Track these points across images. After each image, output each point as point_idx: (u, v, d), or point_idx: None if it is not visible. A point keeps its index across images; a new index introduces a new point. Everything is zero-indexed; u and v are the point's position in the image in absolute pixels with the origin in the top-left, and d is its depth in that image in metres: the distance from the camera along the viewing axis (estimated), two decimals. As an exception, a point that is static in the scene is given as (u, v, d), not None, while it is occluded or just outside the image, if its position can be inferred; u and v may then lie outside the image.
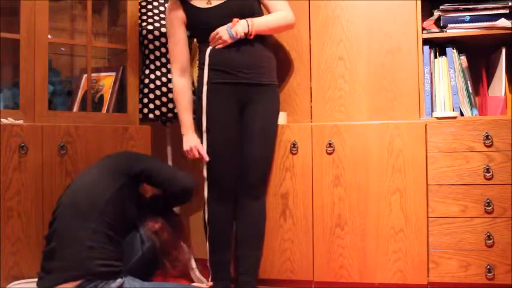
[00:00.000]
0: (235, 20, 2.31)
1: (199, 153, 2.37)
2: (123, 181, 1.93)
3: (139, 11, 2.73)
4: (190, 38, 2.56)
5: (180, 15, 2.41)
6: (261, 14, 2.43)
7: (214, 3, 2.36)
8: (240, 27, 2.31)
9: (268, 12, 2.46)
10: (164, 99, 2.70)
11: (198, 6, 2.37)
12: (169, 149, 2.83)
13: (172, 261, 2.05)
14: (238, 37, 2.30)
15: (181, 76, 2.44)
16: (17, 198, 2.19)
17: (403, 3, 2.50)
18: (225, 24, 2.32)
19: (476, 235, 2.31)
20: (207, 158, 2.36)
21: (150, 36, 2.70)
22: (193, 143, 2.39)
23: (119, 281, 1.77)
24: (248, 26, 2.32)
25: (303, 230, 2.49)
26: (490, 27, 2.40)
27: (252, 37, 2.33)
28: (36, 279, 1.88)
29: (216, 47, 2.33)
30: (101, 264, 1.74)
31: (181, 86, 2.44)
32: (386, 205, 2.41)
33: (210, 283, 2.38)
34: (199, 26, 2.40)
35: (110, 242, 1.80)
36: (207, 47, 2.37)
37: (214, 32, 2.33)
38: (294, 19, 2.46)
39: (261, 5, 2.46)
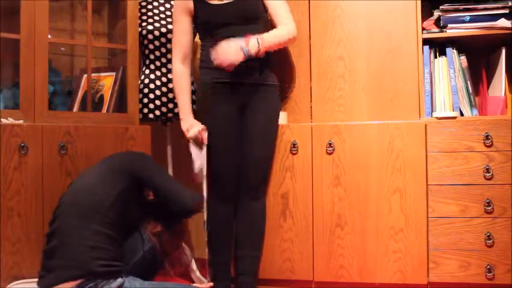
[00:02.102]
0: (248, 37, 2.24)
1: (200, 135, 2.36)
2: (127, 183, 1.91)
3: (140, 11, 2.72)
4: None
5: (188, 5, 2.40)
6: (265, 17, 2.43)
7: (225, 1, 2.35)
8: (253, 48, 2.23)
9: (271, 21, 2.44)
10: (164, 99, 2.70)
11: (208, 1, 2.37)
12: (169, 149, 2.83)
13: (172, 262, 2.05)
14: (249, 56, 2.24)
15: (182, 63, 2.45)
16: (17, 198, 2.19)
17: (403, 3, 2.50)
18: (232, 23, 2.31)
19: (476, 235, 2.31)
20: (205, 141, 2.34)
21: (150, 36, 2.70)
22: (193, 122, 2.38)
23: (119, 280, 1.77)
24: (258, 44, 2.26)
25: (303, 230, 2.49)
26: (490, 27, 2.40)
27: (261, 54, 2.28)
28: (36, 279, 1.88)
29: (224, 69, 2.24)
30: (102, 265, 1.74)
31: (181, 70, 2.44)
32: (386, 205, 2.41)
33: (210, 283, 2.38)
34: (206, 21, 2.39)
35: (112, 243, 1.80)
36: (209, 45, 2.36)
37: (221, 48, 2.21)
38: (296, 33, 2.44)
39: (266, 12, 2.45)
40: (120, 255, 1.85)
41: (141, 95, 2.70)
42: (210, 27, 2.37)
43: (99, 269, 1.73)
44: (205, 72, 2.37)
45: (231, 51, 2.21)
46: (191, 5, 2.40)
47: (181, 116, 2.42)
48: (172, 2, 2.76)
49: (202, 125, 2.36)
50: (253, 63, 2.35)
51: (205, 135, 2.34)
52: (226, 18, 2.34)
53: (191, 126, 2.36)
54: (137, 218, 2.00)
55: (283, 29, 2.40)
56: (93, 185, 1.86)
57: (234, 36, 2.27)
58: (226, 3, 2.35)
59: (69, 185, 2.01)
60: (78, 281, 1.71)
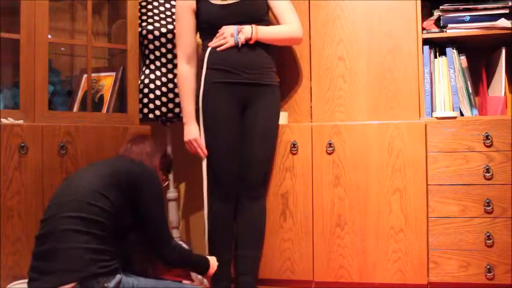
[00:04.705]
0: (239, 26, 2.32)
1: (199, 147, 2.38)
2: (126, 195, 1.85)
3: (140, 11, 2.73)
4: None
5: (191, 5, 2.40)
6: (268, 20, 2.44)
7: (228, 1, 2.36)
8: (243, 35, 2.31)
9: (277, 22, 2.46)
10: (164, 99, 2.70)
11: (211, 1, 2.37)
12: (169, 149, 2.84)
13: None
14: (240, 44, 2.32)
15: (187, 63, 2.43)
16: (17, 198, 2.19)
17: (403, 3, 2.50)
18: (234, 24, 2.33)
19: (476, 235, 2.31)
20: (203, 156, 2.37)
21: (150, 36, 2.70)
22: (192, 135, 2.38)
23: (118, 276, 1.77)
24: (252, 33, 2.32)
25: (303, 230, 2.49)
26: (490, 27, 2.40)
27: (252, 42, 2.33)
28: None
29: (217, 49, 2.34)
30: (102, 266, 1.74)
31: (186, 72, 2.42)
32: (386, 205, 2.41)
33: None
34: (208, 21, 2.39)
35: (111, 244, 1.79)
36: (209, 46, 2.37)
37: (220, 33, 2.34)
38: (302, 34, 2.46)
39: (269, 14, 2.47)
40: (119, 253, 1.84)
41: (141, 95, 2.70)
42: (212, 27, 2.37)
43: (100, 270, 1.73)
44: (204, 72, 2.37)
45: (226, 34, 2.33)
46: (194, 4, 2.40)
47: (184, 120, 2.42)
48: (172, 2, 2.76)
49: (198, 136, 2.38)
50: (254, 63, 2.35)
51: (202, 147, 2.38)
52: (229, 19, 2.34)
53: (190, 143, 2.39)
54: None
55: (285, 26, 2.43)
56: (89, 192, 1.80)
57: None
58: (229, 3, 2.35)
59: (63, 180, 1.93)
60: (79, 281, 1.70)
